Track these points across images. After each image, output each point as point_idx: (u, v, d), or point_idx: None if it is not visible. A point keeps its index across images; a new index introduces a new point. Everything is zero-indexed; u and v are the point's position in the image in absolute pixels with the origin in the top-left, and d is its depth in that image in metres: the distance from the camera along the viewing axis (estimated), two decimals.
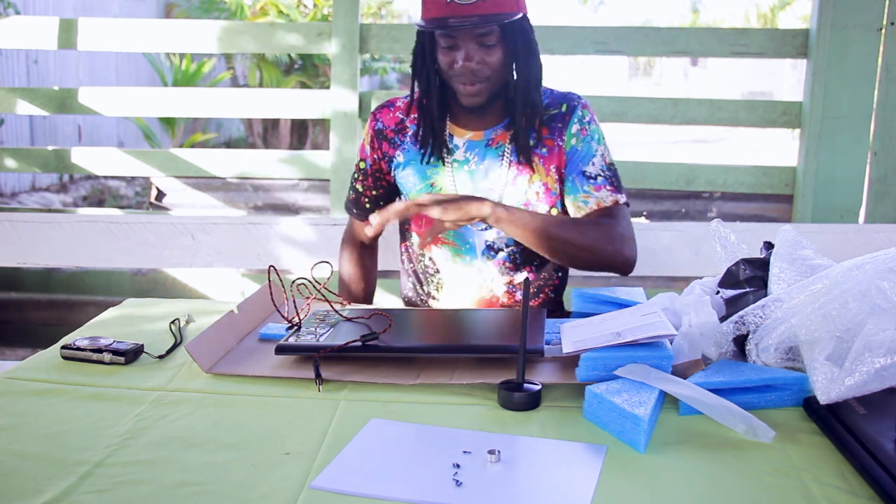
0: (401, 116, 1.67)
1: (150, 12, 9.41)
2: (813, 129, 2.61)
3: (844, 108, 2.58)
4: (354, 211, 1.76)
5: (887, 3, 2.52)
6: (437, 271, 1.66)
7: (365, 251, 1.81)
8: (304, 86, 8.67)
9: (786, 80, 17.85)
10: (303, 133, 9.12)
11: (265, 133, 9.19)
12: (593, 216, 1.55)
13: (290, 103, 2.95)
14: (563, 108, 1.59)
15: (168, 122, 7.95)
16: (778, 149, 11.47)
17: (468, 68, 1.47)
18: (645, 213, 3.54)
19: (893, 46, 2.53)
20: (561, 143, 1.58)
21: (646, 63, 30.50)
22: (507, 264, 1.61)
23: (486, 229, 1.60)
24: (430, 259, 1.66)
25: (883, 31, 2.53)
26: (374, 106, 2.79)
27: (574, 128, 1.58)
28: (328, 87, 2.86)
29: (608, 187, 1.56)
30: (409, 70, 1.64)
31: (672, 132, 13.76)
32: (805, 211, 2.66)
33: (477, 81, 1.50)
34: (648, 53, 2.90)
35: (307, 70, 8.93)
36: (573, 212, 1.60)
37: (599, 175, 1.56)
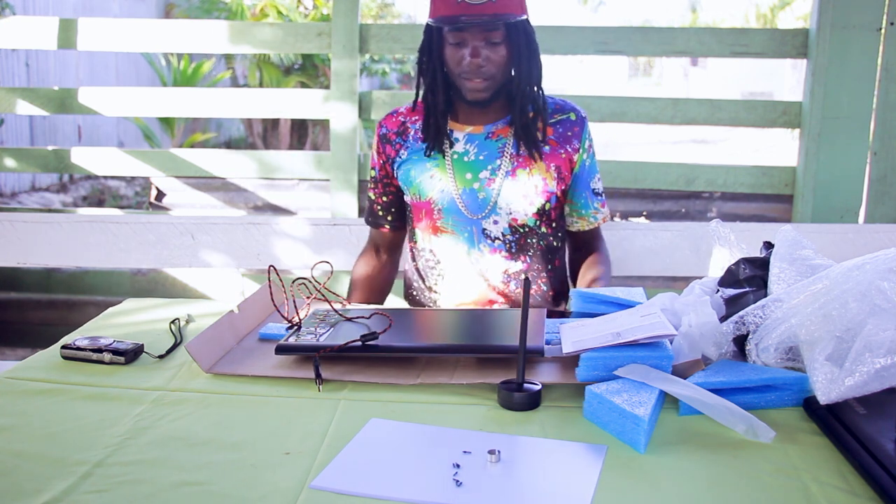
0: (402, 119, 1.74)
1: (150, 12, 9.41)
2: (813, 130, 2.61)
3: (844, 108, 2.58)
4: (370, 219, 1.82)
5: (887, 3, 2.51)
6: (438, 262, 1.71)
7: (382, 262, 1.83)
8: (304, 86, 8.66)
9: (786, 80, 17.82)
10: (303, 133, 9.11)
11: (265, 133, 9.18)
12: (596, 231, 1.76)
13: (290, 103, 2.95)
14: (573, 117, 1.69)
15: (167, 122, 7.93)
16: (778, 149, 11.47)
17: (475, 64, 1.55)
18: (645, 213, 3.54)
19: (893, 46, 2.52)
20: (569, 150, 1.67)
21: (646, 63, 30.49)
22: (504, 253, 1.67)
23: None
24: (431, 251, 1.71)
25: (883, 31, 2.53)
26: (374, 106, 2.81)
27: (587, 143, 1.69)
28: (328, 87, 2.86)
29: (604, 203, 1.76)
30: (410, 71, 1.67)
31: (672, 132, 13.76)
32: (805, 211, 2.65)
33: (482, 77, 1.57)
34: (648, 53, 2.90)
35: (307, 70, 8.91)
36: (582, 224, 1.74)
37: (602, 192, 1.75)
